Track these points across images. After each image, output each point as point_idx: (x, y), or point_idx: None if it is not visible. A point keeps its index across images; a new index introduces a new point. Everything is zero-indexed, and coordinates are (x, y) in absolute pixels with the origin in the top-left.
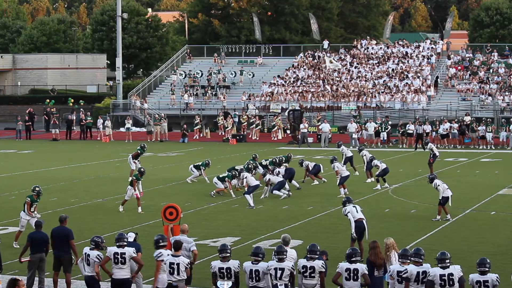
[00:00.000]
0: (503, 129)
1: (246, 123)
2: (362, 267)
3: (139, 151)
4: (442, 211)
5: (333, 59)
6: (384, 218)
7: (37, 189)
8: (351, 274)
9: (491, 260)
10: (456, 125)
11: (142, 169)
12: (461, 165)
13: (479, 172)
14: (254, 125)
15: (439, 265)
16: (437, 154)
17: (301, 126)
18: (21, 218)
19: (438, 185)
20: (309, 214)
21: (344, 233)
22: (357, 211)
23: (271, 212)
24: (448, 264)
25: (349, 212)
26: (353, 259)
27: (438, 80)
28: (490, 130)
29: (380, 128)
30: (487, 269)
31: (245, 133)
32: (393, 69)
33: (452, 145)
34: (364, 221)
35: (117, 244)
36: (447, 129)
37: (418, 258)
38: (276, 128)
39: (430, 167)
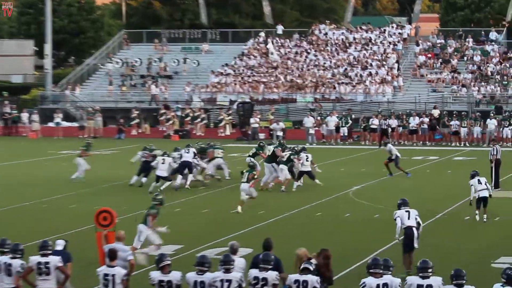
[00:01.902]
0: (477, 124)
1: (190, 117)
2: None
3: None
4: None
5: (273, 50)
6: (344, 224)
7: None
8: None
9: (465, 270)
10: (426, 120)
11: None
12: (431, 164)
13: (451, 172)
14: (198, 120)
15: (420, 274)
16: (399, 155)
17: (252, 120)
18: None
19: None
20: (261, 219)
21: (297, 241)
22: (409, 217)
23: (218, 216)
24: (430, 275)
25: (398, 217)
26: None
27: (401, 67)
28: (464, 125)
29: (340, 123)
30: (464, 281)
31: (189, 128)
32: (355, 57)
33: (421, 142)
34: (414, 229)
35: (41, 252)
36: (418, 124)
37: (377, 269)
38: (223, 123)
39: (387, 167)
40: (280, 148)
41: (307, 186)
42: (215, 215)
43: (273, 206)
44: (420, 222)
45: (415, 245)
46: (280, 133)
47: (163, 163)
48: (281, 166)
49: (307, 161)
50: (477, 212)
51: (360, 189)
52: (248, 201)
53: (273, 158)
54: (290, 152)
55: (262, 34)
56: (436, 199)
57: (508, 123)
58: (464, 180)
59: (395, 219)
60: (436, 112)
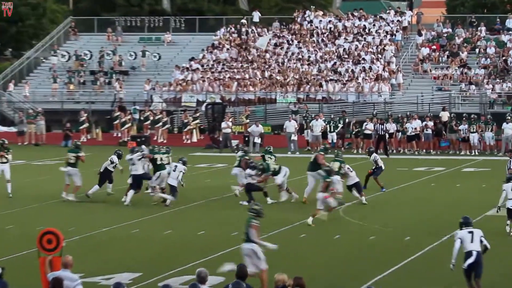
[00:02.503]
0: (489, 129)
1: (149, 121)
2: None
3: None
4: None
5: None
6: (332, 248)
7: None
8: None
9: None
10: (430, 123)
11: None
12: (437, 176)
13: (461, 186)
14: (160, 124)
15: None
16: (383, 167)
17: (223, 124)
18: None
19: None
20: (233, 242)
21: (276, 267)
22: (472, 239)
23: (184, 239)
24: None
25: (459, 238)
26: None
27: (400, 61)
28: (474, 130)
29: (328, 127)
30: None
31: (149, 134)
32: (345, 49)
33: (424, 150)
34: (475, 253)
35: None
36: (416, 128)
37: None
38: (189, 127)
39: (373, 180)
40: (323, 153)
41: (289, 202)
42: (180, 237)
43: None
44: (487, 246)
45: (479, 271)
46: (258, 140)
47: (174, 171)
48: (336, 176)
49: (351, 171)
50: (508, 222)
51: (352, 206)
52: (324, 214)
53: (316, 166)
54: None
55: (244, 21)
56: (442, 218)
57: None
58: (475, 196)
59: (455, 241)
60: (445, 115)
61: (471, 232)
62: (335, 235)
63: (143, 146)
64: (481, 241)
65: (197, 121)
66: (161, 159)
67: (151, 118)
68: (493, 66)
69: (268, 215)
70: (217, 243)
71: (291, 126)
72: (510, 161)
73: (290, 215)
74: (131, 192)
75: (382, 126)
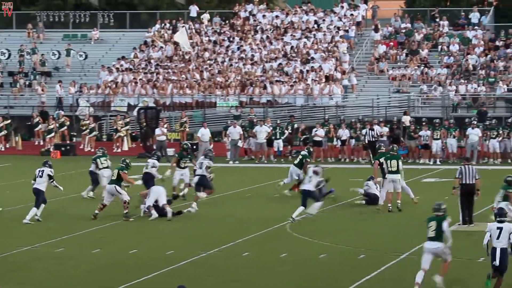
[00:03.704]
0: (450, 135)
1: (75, 127)
2: None
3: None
4: None
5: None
6: (279, 267)
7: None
8: None
9: None
10: (385, 129)
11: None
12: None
13: (421, 199)
14: (87, 131)
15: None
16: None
17: (157, 131)
18: None
19: None
20: (169, 261)
21: None
22: (498, 236)
23: (114, 258)
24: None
25: (488, 232)
26: None
27: (354, 60)
28: (437, 137)
29: (274, 134)
30: None
31: (74, 142)
32: (293, 47)
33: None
34: (500, 250)
35: None
36: (375, 135)
37: None
38: (119, 134)
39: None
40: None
41: (230, 217)
42: (109, 256)
43: (186, 243)
44: None
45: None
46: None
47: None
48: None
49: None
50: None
51: (300, 221)
52: None
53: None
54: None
55: (186, 25)
56: (401, 233)
57: (496, 133)
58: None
59: (485, 233)
60: (407, 120)
61: (499, 228)
62: (282, 253)
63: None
64: (509, 238)
65: (128, 127)
66: (101, 163)
67: (77, 124)
68: (457, 65)
69: (207, 233)
70: (151, 263)
71: (236, 132)
72: (461, 169)
73: (231, 232)
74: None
75: (372, 131)
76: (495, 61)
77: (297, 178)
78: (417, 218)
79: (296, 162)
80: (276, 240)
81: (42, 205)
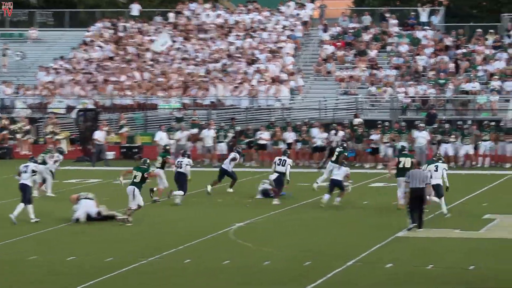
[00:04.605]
0: (403, 138)
1: (11, 130)
2: None
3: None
4: None
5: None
6: (220, 275)
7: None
8: None
9: None
10: (332, 133)
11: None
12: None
13: (368, 204)
14: (22, 134)
15: None
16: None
17: (97, 134)
18: None
19: None
20: (107, 269)
21: None
22: None
23: (51, 266)
24: None
25: None
26: None
27: (300, 61)
28: (386, 140)
29: (217, 137)
30: None
31: (10, 145)
32: (237, 48)
33: (324, 162)
34: None
35: None
36: (326, 138)
37: None
38: (57, 137)
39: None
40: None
41: (173, 222)
42: (46, 264)
43: (127, 249)
44: None
45: None
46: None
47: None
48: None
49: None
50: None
51: (244, 227)
52: None
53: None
54: None
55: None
56: (347, 239)
57: (448, 137)
58: (384, 215)
59: None
60: (357, 121)
61: None
62: (225, 260)
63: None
64: None
65: (67, 130)
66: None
67: (13, 127)
68: (406, 67)
69: (148, 240)
70: (89, 271)
71: (184, 136)
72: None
73: (172, 238)
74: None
75: (335, 136)
76: (445, 62)
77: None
78: (365, 223)
79: (333, 159)
80: (219, 247)
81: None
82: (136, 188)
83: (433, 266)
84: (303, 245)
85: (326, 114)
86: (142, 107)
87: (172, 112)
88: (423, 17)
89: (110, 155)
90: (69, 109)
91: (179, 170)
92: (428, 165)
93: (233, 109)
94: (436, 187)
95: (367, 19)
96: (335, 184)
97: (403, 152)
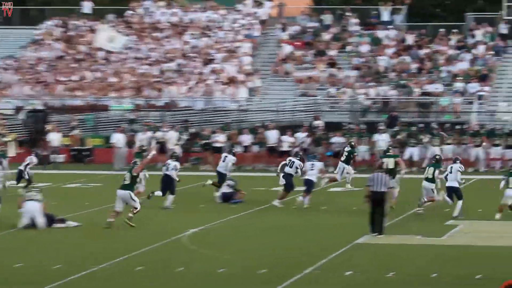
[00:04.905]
0: (362, 141)
1: None
2: None
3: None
4: None
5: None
6: (174, 282)
7: None
8: None
9: None
10: (302, 135)
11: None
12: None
13: (327, 209)
14: None
15: None
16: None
17: (48, 136)
18: None
19: None
20: (55, 276)
21: None
22: None
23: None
24: None
25: None
26: None
27: (258, 61)
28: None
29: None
30: None
31: None
32: (193, 47)
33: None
34: None
35: None
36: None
37: None
38: (5, 139)
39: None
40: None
41: (124, 228)
42: None
43: (76, 256)
44: None
45: None
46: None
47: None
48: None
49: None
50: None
51: (199, 233)
52: None
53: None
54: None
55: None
56: (307, 246)
57: (414, 140)
58: (344, 221)
59: None
60: (318, 124)
61: None
62: (178, 267)
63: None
64: None
65: (14, 132)
66: None
67: None
68: (367, 67)
69: (99, 246)
70: (35, 278)
71: (144, 139)
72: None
73: (121, 245)
74: None
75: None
76: (407, 63)
77: (348, 173)
78: (325, 229)
79: (343, 159)
80: (172, 253)
81: None
82: (130, 192)
83: (394, 273)
84: (260, 252)
85: (284, 116)
86: (93, 108)
87: (124, 113)
88: (385, 16)
89: (60, 157)
90: (17, 110)
91: (166, 172)
92: (428, 168)
93: (188, 110)
94: (455, 190)
95: (327, 18)
96: (308, 184)
97: (387, 153)
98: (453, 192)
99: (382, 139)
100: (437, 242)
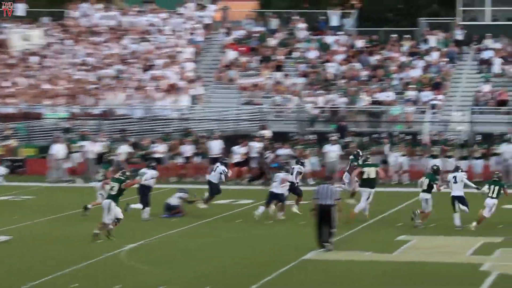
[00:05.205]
0: (312, 153)
1: None
2: None
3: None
4: None
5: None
6: None
7: None
8: None
9: None
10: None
11: None
12: (244, 210)
13: (274, 223)
14: None
15: None
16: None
17: None
18: None
19: None
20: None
21: None
22: None
23: None
24: None
25: None
26: None
27: (201, 68)
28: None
29: (110, 150)
30: None
31: None
32: (132, 52)
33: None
34: None
35: None
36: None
37: None
38: None
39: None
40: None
41: (57, 243)
42: None
43: (7, 273)
44: None
45: None
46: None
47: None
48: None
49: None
50: None
51: (138, 248)
52: None
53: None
54: None
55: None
56: (254, 262)
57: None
58: (291, 235)
59: None
60: (267, 134)
61: None
62: (115, 284)
63: None
64: None
65: None
66: None
67: None
68: (315, 74)
69: (30, 262)
70: None
71: (92, 148)
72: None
73: (54, 261)
74: None
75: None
76: (357, 69)
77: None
78: (271, 244)
79: (347, 168)
80: (109, 270)
81: None
82: (112, 202)
83: None
84: (202, 268)
85: (228, 125)
86: (25, 117)
87: (58, 122)
88: (334, 21)
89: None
90: None
91: (142, 182)
92: (424, 178)
93: (127, 119)
94: (460, 199)
95: (273, 22)
96: (273, 197)
97: (367, 162)
98: (457, 201)
99: (333, 150)
100: (388, 258)
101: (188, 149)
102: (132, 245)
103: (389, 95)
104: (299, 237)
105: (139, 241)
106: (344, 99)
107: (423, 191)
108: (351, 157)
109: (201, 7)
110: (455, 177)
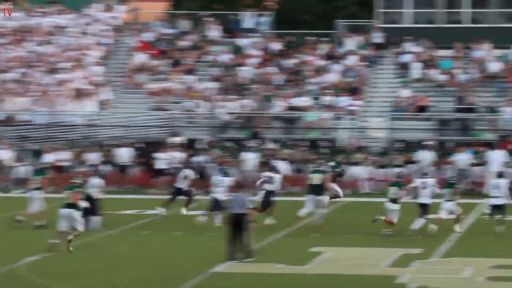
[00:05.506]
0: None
1: None
2: None
3: None
4: None
5: None
6: None
7: None
8: None
9: None
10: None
11: None
12: (151, 221)
13: (184, 235)
14: None
15: None
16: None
17: None
18: None
19: None
20: None
21: None
22: None
23: None
24: None
25: None
26: None
27: (109, 71)
28: (213, 161)
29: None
30: None
31: None
32: (36, 55)
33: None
34: None
35: None
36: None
37: None
38: None
39: None
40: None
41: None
42: None
43: None
44: None
45: None
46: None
47: None
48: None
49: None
50: None
51: (39, 261)
52: None
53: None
54: None
55: None
56: (157, 277)
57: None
58: (205, 248)
59: None
60: (178, 141)
61: None
62: None
63: None
64: None
65: None
66: None
67: None
68: (229, 79)
69: None
70: None
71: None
72: (232, 197)
73: None
74: None
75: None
76: (271, 74)
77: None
78: (180, 256)
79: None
80: (7, 284)
81: None
82: (74, 212)
83: None
84: (104, 282)
85: (137, 131)
86: None
87: None
88: (248, 23)
89: None
90: None
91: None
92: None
93: (29, 126)
94: (424, 206)
95: (184, 24)
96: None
97: (315, 168)
98: (421, 208)
99: (250, 158)
100: (300, 271)
101: (94, 157)
102: (33, 257)
103: (305, 100)
104: (207, 248)
105: (41, 254)
106: (258, 105)
107: (390, 200)
108: (333, 163)
109: (109, 8)
110: (424, 183)
